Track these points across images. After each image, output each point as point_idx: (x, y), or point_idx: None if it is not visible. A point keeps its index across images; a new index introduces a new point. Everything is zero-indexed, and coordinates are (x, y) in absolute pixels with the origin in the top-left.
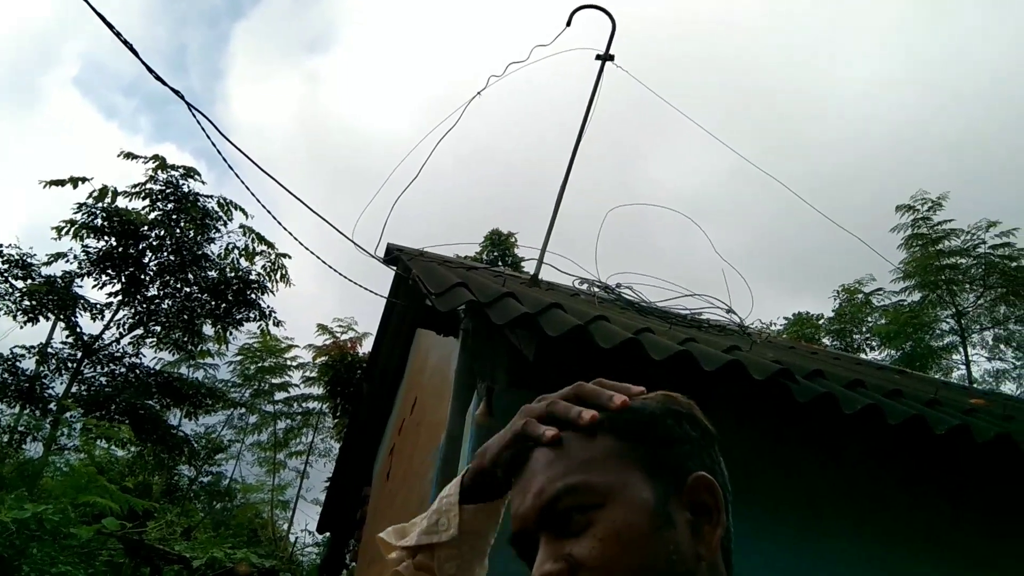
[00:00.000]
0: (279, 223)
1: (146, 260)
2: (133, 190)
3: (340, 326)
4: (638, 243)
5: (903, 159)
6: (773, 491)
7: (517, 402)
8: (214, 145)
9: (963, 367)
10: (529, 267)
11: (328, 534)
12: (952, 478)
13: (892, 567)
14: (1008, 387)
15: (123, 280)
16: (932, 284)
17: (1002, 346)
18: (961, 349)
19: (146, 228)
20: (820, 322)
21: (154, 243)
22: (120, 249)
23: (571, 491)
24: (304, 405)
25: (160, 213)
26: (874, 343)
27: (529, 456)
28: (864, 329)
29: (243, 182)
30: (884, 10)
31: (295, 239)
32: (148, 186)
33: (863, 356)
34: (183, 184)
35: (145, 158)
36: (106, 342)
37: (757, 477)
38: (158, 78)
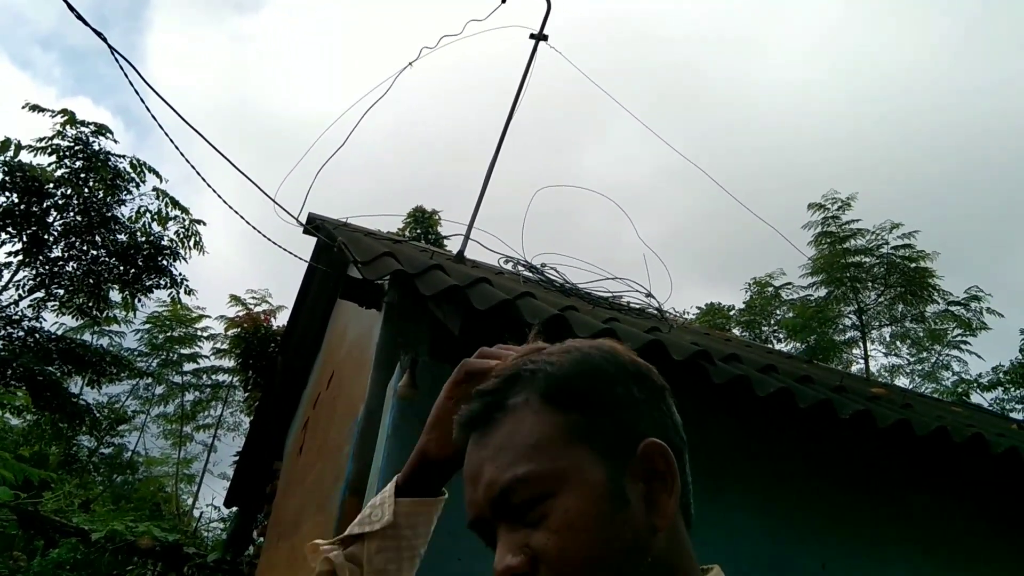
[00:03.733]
0: (202, 177)
1: (50, 219)
2: (39, 145)
3: (254, 298)
4: (565, 226)
5: (821, 158)
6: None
7: (441, 376)
8: (138, 93)
9: (862, 361)
10: (452, 246)
11: (236, 508)
12: (853, 460)
13: (789, 543)
14: (902, 381)
15: (24, 239)
16: (838, 280)
17: (898, 342)
18: (861, 344)
19: (51, 186)
20: (731, 313)
21: (60, 202)
22: (22, 207)
23: (521, 482)
24: (214, 377)
25: (67, 171)
26: (781, 335)
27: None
28: (772, 321)
29: (166, 132)
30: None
31: (217, 194)
32: (55, 141)
33: (771, 347)
34: (93, 142)
35: (53, 112)
36: (4, 304)
37: None
38: (79, 17)
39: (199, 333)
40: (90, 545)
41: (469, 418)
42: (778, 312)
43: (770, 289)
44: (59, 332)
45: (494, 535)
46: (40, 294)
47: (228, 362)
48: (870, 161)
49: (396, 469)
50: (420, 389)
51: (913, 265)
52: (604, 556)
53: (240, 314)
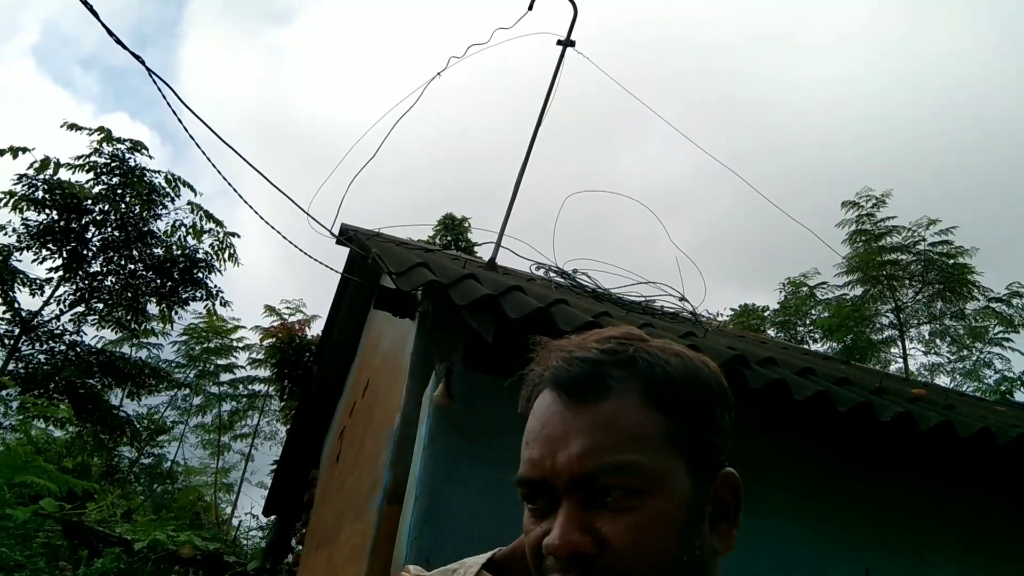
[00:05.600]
0: (235, 190)
1: (89, 235)
2: (77, 162)
3: (288, 308)
4: (599, 232)
5: (857, 156)
6: None
7: (476, 384)
8: (175, 113)
9: (900, 360)
10: (482, 252)
11: (274, 517)
12: (895, 463)
13: (833, 548)
14: (942, 380)
15: (64, 255)
16: (874, 279)
17: (937, 340)
18: (899, 343)
19: (89, 202)
20: (765, 314)
21: (98, 218)
22: (62, 223)
23: (621, 470)
24: (250, 387)
25: (104, 187)
26: (817, 335)
27: (551, 394)
28: (808, 321)
29: (200, 148)
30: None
31: (251, 208)
32: (92, 159)
33: (807, 348)
34: (129, 158)
35: (90, 130)
36: (45, 319)
37: None
38: (118, 41)
39: (235, 344)
40: (133, 555)
41: (567, 378)
42: (813, 312)
43: (804, 289)
44: (99, 345)
45: (548, 499)
46: (80, 308)
47: (264, 372)
48: (907, 157)
49: (433, 477)
50: (455, 398)
51: (951, 261)
52: (672, 566)
53: (275, 324)
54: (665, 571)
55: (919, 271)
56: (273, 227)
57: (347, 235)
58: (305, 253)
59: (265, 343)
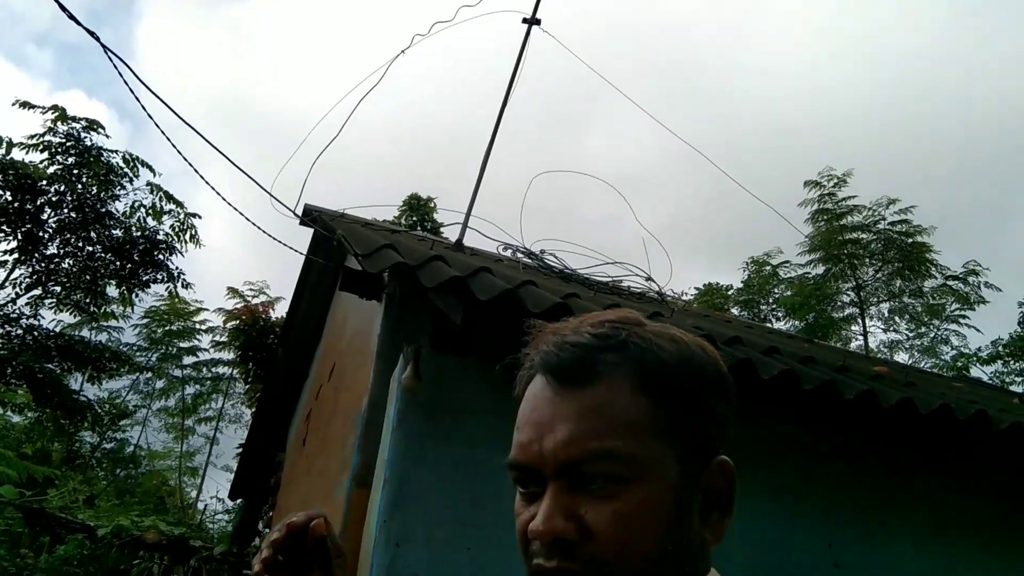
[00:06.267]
0: (198, 173)
1: (44, 216)
2: (30, 142)
3: (252, 290)
4: (567, 214)
5: (822, 140)
6: None
7: (444, 366)
8: (131, 90)
9: (861, 338)
10: (448, 233)
11: (240, 500)
12: (858, 440)
13: (797, 524)
14: (901, 357)
15: (19, 237)
16: (835, 258)
17: (896, 318)
18: (860, 320)
19: (44, 183)
20: (729, 293)
21: (53, 199)
22: (16, 204)
23: (606, 457)
24: (214, 370)
25: (60, 167)
26: (780, 314)
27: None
28: (771, 300)
29: (161, 129)
30: None
31: (211, 187)
32: (47, 138)
33: (770, 326)
34: (85, 137)
35: (43, 108)
36: (1, 303)
37: None
38: (70, 16)
39: (197, 326)
40: (96, 541)
41: (556, 363)
42: (776, 291)
43: (768, 268)
44: (57, 329)
45: (537, 484)
46: (37, 292)
47: (228, 355)
48: (869, 140)
49: (402, 460)
50: (424, 380)
51: (910, 240)
52: (655, 555)
53: (238, 306)
54: (649, 559)
55: (879, 250)
56: (236, 208)
57: (311, 216)
58: (267, 233)
59: (228, 325)
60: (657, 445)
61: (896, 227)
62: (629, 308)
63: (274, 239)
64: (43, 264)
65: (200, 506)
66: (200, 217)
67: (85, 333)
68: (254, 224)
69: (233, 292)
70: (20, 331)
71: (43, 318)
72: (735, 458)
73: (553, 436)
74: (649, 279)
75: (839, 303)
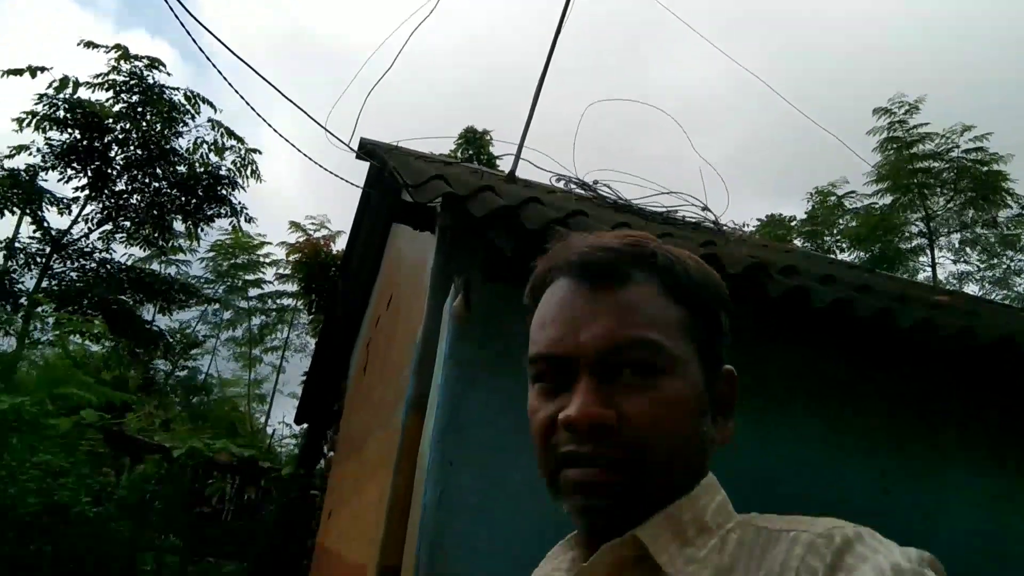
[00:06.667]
0: (256, 112)
1: (112, 154)
2: (96, 81)
3: (313, 224)
4: (627, 148)
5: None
6: (742, 383)
7: (495, 297)
8: (187, 32)
9: (929, 269)
10: (504, 166)
11: (305, 425)
12: (915, 370)
13: (848, 452)
14: (971, 288)
15: (89, 174)
16: (904, 187)
17: (968, 249)
18: (928, 252)
19: (110, 121)
20: (792, 224)
21: (119, 136)
22: (84, 142)
23: (646, 346)
24: (278, 302)
25: (124, 105)
26: (844, 245)
27: (568, 280)
28: (835, 231)
29: (218, 70)
30: None
31: (269, 126)
32: (111, 77)
33: (833, 257)
34: (148, 75)
35: (107, 47)
36: (75, 237)
37: None
38: None
39: (261, 260)
40: (172, 461)
41: (591, 264)
42: (841, 222)
43: (833, 198)
44: (128, 263)
45: (564, 377)
46: (108, 227)
47: (291, 287)
48: (942, 65)
49: (454, 388)
50: (474, 310)
51: (985, 169)
52: (683, 445)
53: (300, 240)
54: (676, 449)
55: (951, 179)
56: (294, 145)
57: (366, 149)
58: (321, 166)
59: (291, 258)
60: (685, 344)
61: (970, 155)
62: (684, 238)
63: (329, 172)
64: (113, 200)
65: (268, 431)
66: (260, 153)
67: (155, 266)
68: (308, 157)
69: (295, 226)
70: (94, 265)
71: (114, 252)
72: (792, 388)
73: (590, 329)
74: (705, 209)
75: (906, 234)
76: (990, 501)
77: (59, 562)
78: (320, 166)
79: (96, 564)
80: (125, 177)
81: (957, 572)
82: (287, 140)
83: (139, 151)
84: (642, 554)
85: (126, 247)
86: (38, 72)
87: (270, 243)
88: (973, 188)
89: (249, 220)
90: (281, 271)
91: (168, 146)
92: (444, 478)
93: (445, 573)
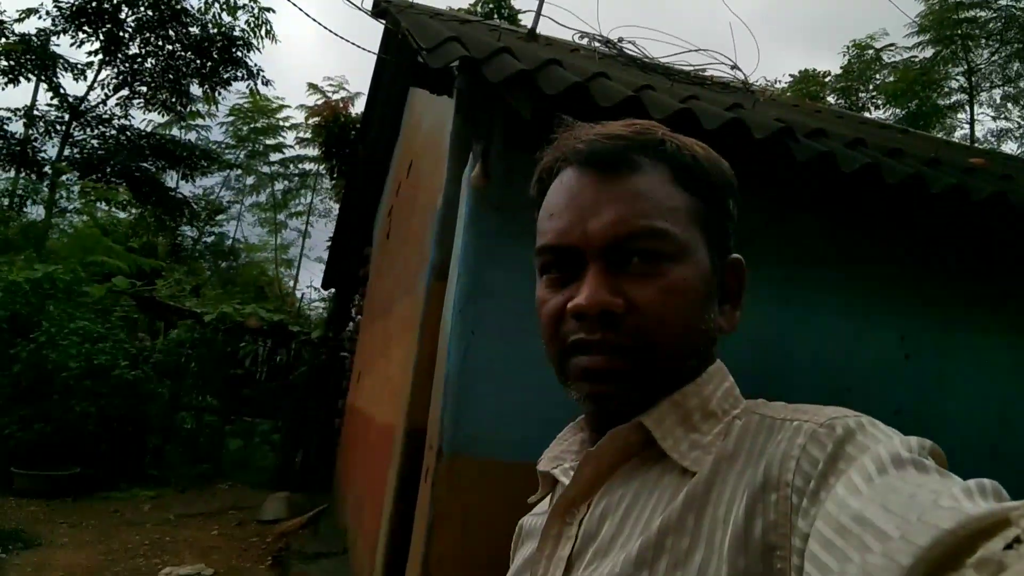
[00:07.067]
0: None
1: (123, 15)
2: None
3: (331, 86)
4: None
5: None
6: (763, 247)
7: (514, 164)
8: None
9: (967, 126)
10: (526, 22)
11: (333, 290)
12: (944, 236)
13: (868, 317)
14: (1010, 147)
15: (101, 37)
16: (946, 39)
17: (1009, 104)
18: (968, 108)
19: None
20: (826, 80)
21: None
22: (94, 3)
23: (655, 235)
24: (300, 166)
25: None
26: (879, 101)
27: (577, 170)
28: (871, 87)
29: None
30: None
31: None
32: None
33: (867, 115)
34: None
35: None
36: (92, 104)
37: (747, 236)
38: None
39: (281, 123)
40: (204, 326)
41: (599, 152)
42: (877, 77)
43: (870, 52)
44: (148, 129)
45: (572, 267)
46: (124, 92)
47: (313, 151)
48: None
49: (474, 256)
50: (494, 178)
51: None
52: (689, 332)
53: (319, 103)
54: (682, 336)
55: (998, 29)
56: (298, 6)
57: (381, 8)
58: (330, 31)
59: (311, 122)
60: (693, 231)
61: (1020, 3)
62: (711, 99)
63: (338, 36)
64: (127, 64)
65: (298, 295)
66: (274, 11)
67: (175, 132)
68: (316, 21)
69: (313, 88)
70: (114, 131)
71: (133, 119)
72: (813, 252)
73: (599, 218)
74: (734, 67)
75: (946, 89)
76: (1009, 369)
77: (103, 422)
78: (328, 30)
79: (138, 424)
80: (138, 40)
81: (972, 437)
82: (296, 6)
83: (150, 12)
84: (648, 439)
85: (144, 113)
86: None
87: (289, 106)
88: (1021, 39)
89: (266, 83)
90: (301, 135)
91: (179, 6)
92: (466, 345)
93: (469, 435)
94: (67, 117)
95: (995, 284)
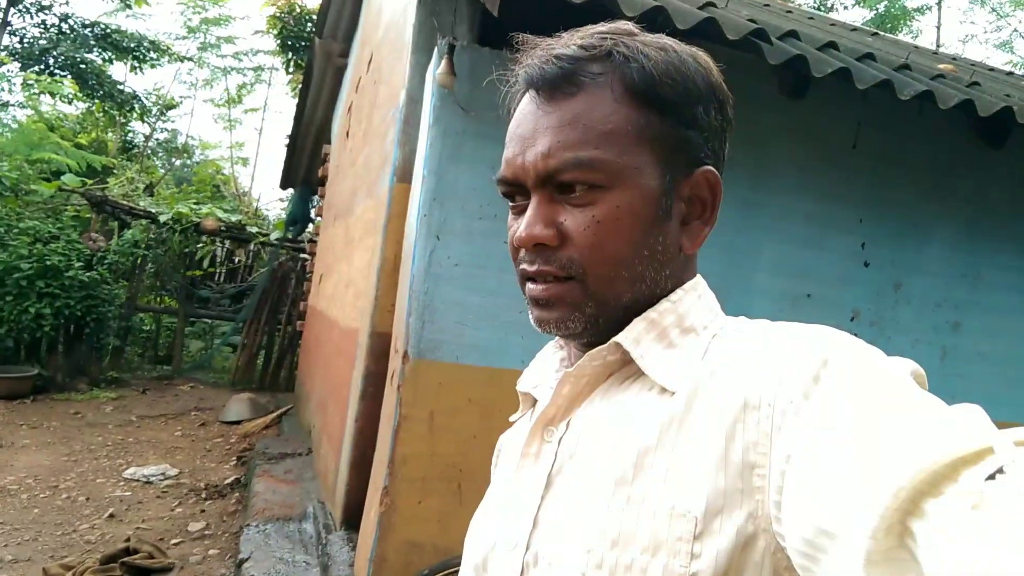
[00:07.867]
0: None
1: None
2: None
3: None
4: None
5: None
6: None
7: (482, 60)
8: None
9: (935, 29)
10: None
11: (291, 191)
12: (911, 141)
13: (826, 221)
14: (974, 52)
15: None
16: None
17: (976, 8)
18: (936, 10)
19: None
20: None
21: None
22: None
23: (581, 165)
24: (255, 60)
25: None
26: (848, 2)
27: (529, 94)
28: None
29: None
30: None
31: None
32: None
33: (835, 16)
34: None
35: None
36: None
37: None
38: None
39: (233, 17)
40: (160, 226)
41: (540, 77)
42: None
43: None
44: (92, 19)
45: (524, 197)
46: None
47: (269, 44)
48: None
49: (440, 157)
50: (460, 76)
51: None
52: (630, 257)
53: None
54: (622, 262)
55: None
56: None
57: None
58: None
59: (264, 12)
60: (637, 152)
61: None
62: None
63: None
64: None
65: (255, 195)
66: None
67: (121, 22)
68: None
69: None
70: (55, 20)
71: (75, 6)
72: (781, 158)
73: (533, 149)
74: None
75: None
76: (959, 277)
77: (60, 324)
78: None
79: (96, 325)
80: None
81: (926, 340)
82: None
83: None
84: (626, 358)
85: None
86: None
87: None
88: None
89: None
90: (256, 27)
91: None
92: (431, 249)
93: (434, 339)
94: (4, 3)
95: (953, 192)
